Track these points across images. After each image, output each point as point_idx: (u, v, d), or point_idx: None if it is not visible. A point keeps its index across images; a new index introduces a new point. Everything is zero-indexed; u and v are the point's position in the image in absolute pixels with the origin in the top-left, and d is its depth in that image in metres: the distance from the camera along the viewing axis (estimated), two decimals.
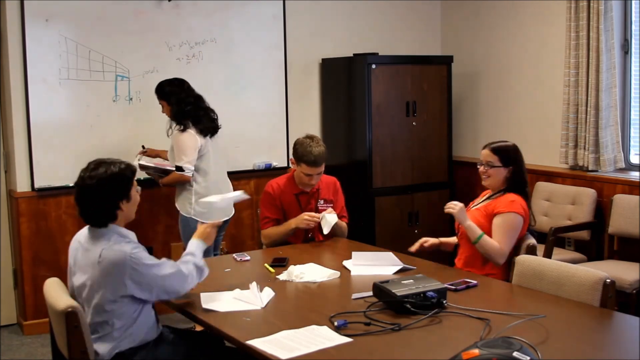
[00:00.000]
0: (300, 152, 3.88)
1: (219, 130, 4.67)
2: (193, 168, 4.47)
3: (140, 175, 5.02)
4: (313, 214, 3.84)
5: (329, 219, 3.79)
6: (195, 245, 2.96)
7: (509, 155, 3.56)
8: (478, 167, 3.60)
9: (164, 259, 2.76)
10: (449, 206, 3.47)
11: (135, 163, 4.64)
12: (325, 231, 3.79)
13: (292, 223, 3.84)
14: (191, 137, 4.46)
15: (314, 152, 3.83)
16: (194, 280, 2.83)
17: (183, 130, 4.44)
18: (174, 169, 4.51)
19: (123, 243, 2.69)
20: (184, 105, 4.49)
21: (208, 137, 4.55)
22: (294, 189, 3.98)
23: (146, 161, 4.76)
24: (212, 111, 4.64)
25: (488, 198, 3.61)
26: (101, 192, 2.72)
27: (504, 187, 3.56)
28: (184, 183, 4.51)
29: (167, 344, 2.80)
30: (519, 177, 3.57)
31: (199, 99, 4.60)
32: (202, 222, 3.16)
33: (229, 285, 3.04)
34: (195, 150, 4.45)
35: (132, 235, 2.80)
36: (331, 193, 4.07)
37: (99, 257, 2.66)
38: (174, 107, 4.52)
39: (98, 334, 2.67)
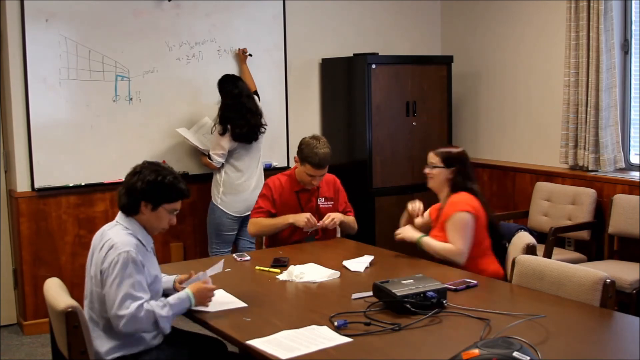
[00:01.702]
0: (306, 152, 3.88)
1: (264, 132, 4.97)
2: (220, 160, 4.86)
3: None
4: (314, 220, 3.82)
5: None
6: (181, 297, 2.71)
7: (451, 156, 3.65)
8: (424, 171, 3.73)
9: (140, 301, 2.61)
10: (397, 235, 3.66)
11: (180, 131, 5.03)
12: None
13: (290, 218, 3.84)
14: (223, 140, 4.82)
15: (320, 154, 3.85)
16: (141, 325, 2.61)
17: (221, 134, 4.82)
18: (206, 153, 4.93)
19: (125, 234, 2.71)
20: (226, 111, 4.81)
21: (243, 144, 4.86)
22: (294, 186, 3.98)
23: (187, 135, 5.04)
24: (258, 122, 4.89)
25: (439, 214, 3.66)
26: (135, 182, 2.74)
27: (448, 189, 3.64)
28: (215, 171, 4.93)
29: (170, 345, 2.80)
30: (463, 177, 3.61)
31: (244, 108, 4.81)
32: (204, 279, 2.87)
33: (229, 285, 3.04)
34: (224, 149, 4.83)
35: (145, 236, 2.79)
36: (332, 191, 4.07)
37: (101, 247, 2.71)
38: (220, 108, 4.88)
39: (99, 328, 2.70)
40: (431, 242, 3.53)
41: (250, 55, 5.29)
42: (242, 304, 2.81)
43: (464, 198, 3.54)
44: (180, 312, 2.71)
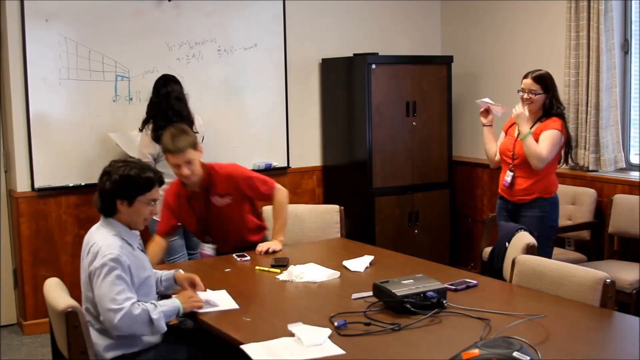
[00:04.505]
0: (162, 140, 3.65)
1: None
2: None
3: None
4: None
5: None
6: (170, 303, 2.73)
7: (546, 82, 4.10)
8: (520, 94, 4.12)
9: (128, 302, 2.61)
10: (518, 113, 4.07)
11: (112, 136, 4.83)
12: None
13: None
14: (145, 138, 4.55)
15: (172, 139, 3.55)
16: (136, 323, 2.61)
17: (140, 130, 4.58)
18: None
19: (110, 236, 2.72)
20: (151, 109, 4.58)
21: None
22: (183, 191, 3.71)
23: (119, 140, 4.85)
24: (187, 120, 4.51)
25: (534, 125, 4.11)
26: (104, 183, 2.76)
27: (542, 112, 4.11)
28: None
29: (168, 344, 2.80)
30: (557, 102, 4.12)
31: (170, 109, 4.53)
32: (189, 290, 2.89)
33: (229, 285, 3.04)
34: (148, 152, 4.51)
35: (129, 235, 2.79)
36: (228, 186, 3.70)
37: (88, 251, 2.74)
38: (147, 106, 4.64)
39: (95, 329, 2.70)
40: (533, 141, 4.02)
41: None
42: (235, 306, 2.80)
43: (560, 122, 4.08)
44: (169, 318, 2.71)
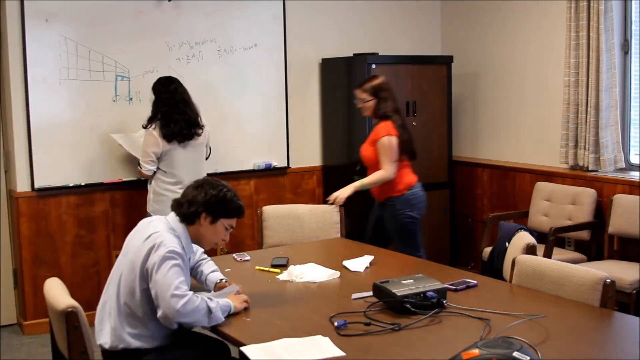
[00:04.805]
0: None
1: (200, 138, 4.66)
2: (151, 168, 4.59)
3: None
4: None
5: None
6: (224, 300, 2.77)
7: (374, 89, 4.42)
8: (355, 102, 4.51)
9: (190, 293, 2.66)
10: (334, 200, 4.27)
11: (116, 137, 4.84)
12: None
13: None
14: (150, 137, 4.56)
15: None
16: (197, 311, 2.62)
17: (145, 128, 4.58)
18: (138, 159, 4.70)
19: (172, 236, 2.75)
20: (160, 105, 4.57)
21: (176, 143, 4.56)
22: None
23: (122, 141, 4.86)
24: (193, 118, 4.60)
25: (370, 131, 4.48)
26: (199, 193, 2.83)
27: (376, 117, 4.43)
28: (147, 179, 4.70)
29: (175, 347, 2.80)
30: (385, 107, 4.41)
31: (180, 103, 4.57)
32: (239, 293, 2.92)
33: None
34: (151, 156, 4.56)
35: (188, 245, 2.83)
36: None
37: (147, 237, 2.74)
38: (152, 104, 4.63)
39: (117, 313, 2.73)
40: (368, 180, 4.39)
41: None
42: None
43: (388, 124, 4.35)
44: (224, 312, 2.71)
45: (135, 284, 2.70)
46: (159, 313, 2.62)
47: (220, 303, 2.70)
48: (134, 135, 4.90)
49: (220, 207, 2.82)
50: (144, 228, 2.83)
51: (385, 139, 4.31)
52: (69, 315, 2.49)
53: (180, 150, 4.59)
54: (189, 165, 4.63)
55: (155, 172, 4.62)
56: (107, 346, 2.75)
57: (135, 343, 2.72)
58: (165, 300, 2.60)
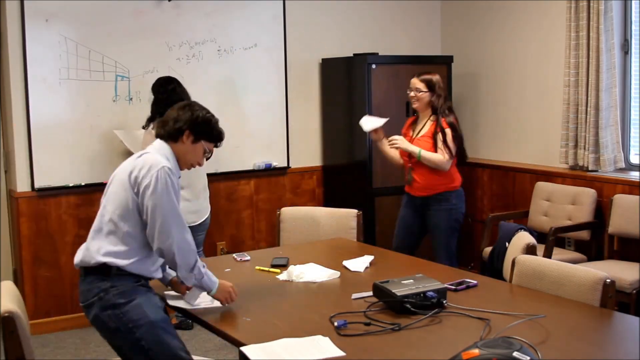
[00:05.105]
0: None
1: None
2: None
3: None
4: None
5: None
6: (212, 277, 2.81)
7: (432, 83, 4.40)
8: (408, 93, 4.46)
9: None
10: (393, 141, 4.39)
11: (118, 133, 4.85)
12: None
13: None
14: (149, 137, 4.51)
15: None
16: (192, 256, 2.71)
17: (144, 128, 4.61)
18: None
19: (161, 156, 2.78)
20: (158, 106, 4.55)
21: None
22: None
23: (124, 137, 4.86)
24: None
25: (424, 125, 4.46)
26: (185, 112, 2.87)
27: (432, 111, 4.43)
28: None
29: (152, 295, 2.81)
30: (443, 101, 4.42)
31: (181, 97, 4.49)
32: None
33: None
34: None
35: (175, 166, 2.84)
36: None
37: (138, 156, 2.79)
38: (151, 105, 4.64)
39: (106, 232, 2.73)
40: (427, 153, 4.36)
41: None
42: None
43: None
44: (207, 284, 2.74)
45: (128, 194, 2.72)
46: (158, 243, 2.67)
47: (209, 275, 2.75)
48: (136, 133, 4.90)
49: (204, 128, 2.87)
50: (130, 161, 2.83)
51: (448, 131, 4.38)
52: (5, 321, 2.43)
53: None
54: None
55: None
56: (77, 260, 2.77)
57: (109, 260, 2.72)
58: (164, 244, 2.66)
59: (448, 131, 4.38)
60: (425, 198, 4.50)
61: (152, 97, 4.65)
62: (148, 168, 2.70)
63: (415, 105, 4.48)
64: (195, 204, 4.62)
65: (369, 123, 4.49)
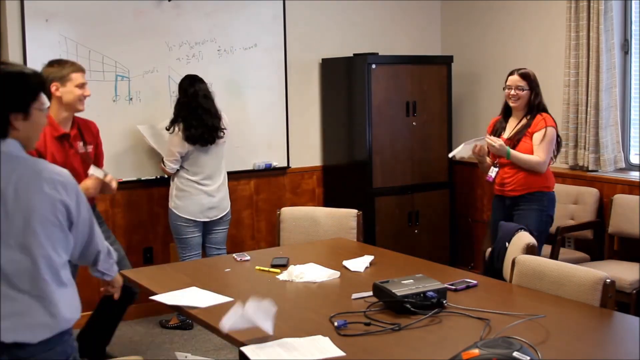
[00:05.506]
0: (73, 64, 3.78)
1: (222, 136, 4.76)
2: (174, 167, 4.71)
3: (142, 175, 5.05)
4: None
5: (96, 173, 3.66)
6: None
7: (532, 79, 4.24)
8: (506, 90, 4.28)
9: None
10: (493, 141, 4.16)
11: (141, 129, 4.94)
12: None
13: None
14: (176, 137, 4.66)
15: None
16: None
17: (167, 129, 4.70)
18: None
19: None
20: (180, 109, 4.66)
21: (198, 146, 4.67)
22: (54, 132, 3.72)
23: (147, 134, 4.92)
24: (213, 125, 4.68)
25: (518, 124, 4.28)
26: None
27: (528, 109, 4.26)
28: (170, 175, 4.80)
29: None
30: (540, 99, 4.26)
31: (199, 108, 4.64)
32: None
33: (229, 285, 3.04)
34: (175, 155, 4.67)
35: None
36: (94, 139, 3.98)
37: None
38: (174, 106, 4.73)
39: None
40: (516, 153, 4.17)
41: None
42: (228, 299, 2.80)
43: (548, 116, 4.24)
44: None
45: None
46: None
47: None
48: (157, 127, 4.98)
49: (15, 90, 2.18)
50: (26, 178, 2.18)
51: (551, 129, 4.20)
52: None
53: (202, 151, 4.71)
54: (212, 163, 4.77)
55: (178, 170, 4.73)
56: None
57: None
58: (88, 248, 2.59)
59: (551, 130, 4.19)
60: (516, 198, 4.27)
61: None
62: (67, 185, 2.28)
63: (515, 105, 4.26)
64: (215, 199, 4.77)
65: (462, 152, 4.34)
